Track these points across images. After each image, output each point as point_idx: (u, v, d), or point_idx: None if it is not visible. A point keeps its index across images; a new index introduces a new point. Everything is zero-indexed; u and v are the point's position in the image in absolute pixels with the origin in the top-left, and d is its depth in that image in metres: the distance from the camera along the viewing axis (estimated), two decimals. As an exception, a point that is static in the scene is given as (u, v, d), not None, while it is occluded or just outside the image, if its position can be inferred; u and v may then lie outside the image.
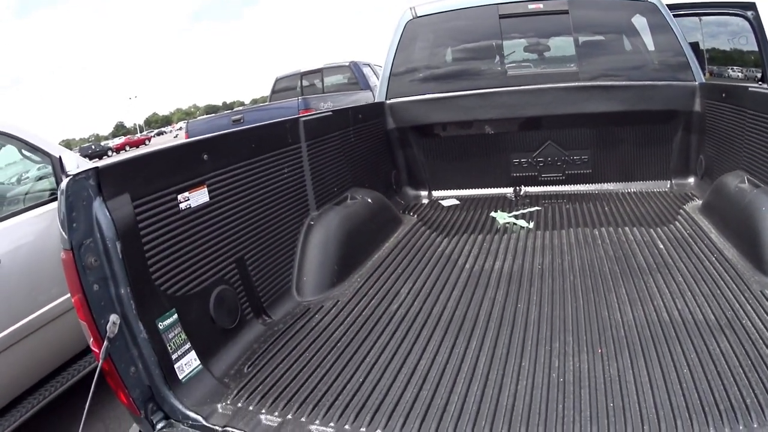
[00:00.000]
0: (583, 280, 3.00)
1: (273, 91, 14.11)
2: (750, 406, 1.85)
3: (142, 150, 2.65)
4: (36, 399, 3.64)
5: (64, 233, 1.98)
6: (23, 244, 3.67)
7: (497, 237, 3.84)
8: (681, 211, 3.95)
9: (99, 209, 2.06)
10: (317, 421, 1.99)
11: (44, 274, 3.67)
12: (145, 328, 2.12)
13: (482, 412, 1.96)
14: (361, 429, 1.92)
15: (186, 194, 2.47)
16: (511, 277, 3.12)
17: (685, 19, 5.98)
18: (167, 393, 2.14)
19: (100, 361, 1.99)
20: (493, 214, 4.34)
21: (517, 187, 4.93)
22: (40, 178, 4.30)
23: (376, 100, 5.14)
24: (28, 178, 4.45)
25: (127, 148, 70.65)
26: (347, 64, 13.25)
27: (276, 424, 2.00)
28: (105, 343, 1.99)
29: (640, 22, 4.69)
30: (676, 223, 3.75)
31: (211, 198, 2.61)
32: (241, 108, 12.52)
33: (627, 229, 3.72)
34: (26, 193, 4.16)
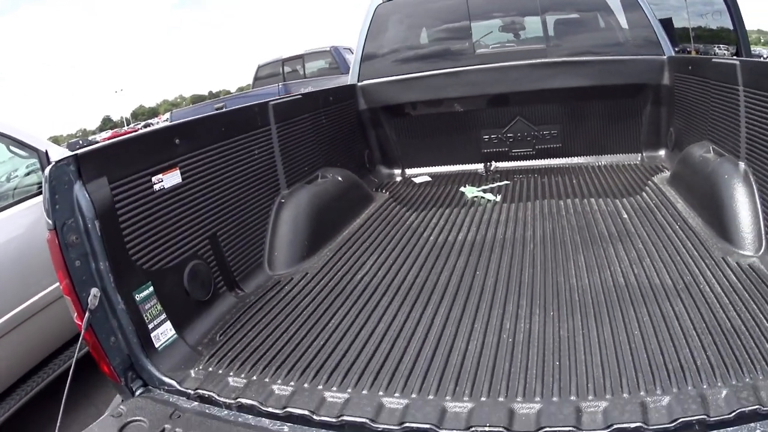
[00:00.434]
0: (543, 249, 3.13)
1: (255, 78, 14.25)
2: (700, 367, 1.90)
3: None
4: (29, 386, 3.77)
5: (47, 214, 2.15)
6: (13, 236, 3.81)
7: (464, 210, 4.00)
8: (649, 182, 4.04)
9: (79, 192, 2.23)
10: (279, 381, 2.15)
11: (35, 265, 3.78)
12: (123, 300, 2.29)
13: (432, 370, 2.09)
14: (319, 387, 2.08)
15: (160, 176, 2.63)
16: (473, 247, 3.27)
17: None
18: (145, 361, 2.31)
19: (82, 331, 2.16)
20: (462, 189, 4.49)
21: (488, 163, 5.08)
22: (28, 173, 4.41)
23: (348, 83, 5.29)
24: (16, 173, 4.57)
25: (115, 141, 70.21)
26: (328, 49, 13.39)
27: (242, 385, 2.16)
28: (86, 314, 2.16)
29: (609, -1, 4.79)
30: (643, 193, 3.85)
31: (183, 179, 2.77)
32: (223, 97, 12.66)
33: (593, 200, 3.83)
34: (15, 188, 4.28)
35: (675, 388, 1.82)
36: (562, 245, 3.15)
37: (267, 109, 3.63)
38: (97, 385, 3.69)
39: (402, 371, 2.11)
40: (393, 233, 3.70)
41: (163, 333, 2.43)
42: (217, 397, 2.11)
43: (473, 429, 1.76)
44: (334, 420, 1.89)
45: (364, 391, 2.02)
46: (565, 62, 4.68)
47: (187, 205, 2.78)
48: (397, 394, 1.97)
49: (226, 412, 2.08)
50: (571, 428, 1.71)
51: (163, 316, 2.45)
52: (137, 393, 2.29)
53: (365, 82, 5.19)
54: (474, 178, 4.87)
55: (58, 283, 3.54)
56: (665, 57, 4.43)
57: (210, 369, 2.32)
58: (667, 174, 4.12)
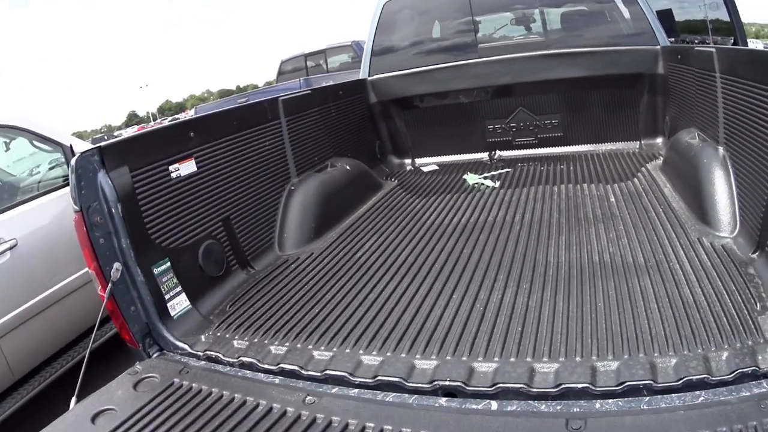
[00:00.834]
0: (529, 230, 3.36)
1: (279, 73, 14.49)
2: (654, 337, 2.04)
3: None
4: (54, 368, 4.11)
5: (74, 199, 2.50)
6: (40, 227, 4.14)
7: (463, 196, 4.26)
8: (642, 169, 4.19)
9: (103, 179, 2.58)
10: (276, 343, 2.47)
11: (59, 254, 4.15)
12: (142, 273, 2.63)
13: (408, 333, 2.36)
14: (309, 347, 2.39)
15: (176, 165, 2.97)
16: (464, 229, 3.53)
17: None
18: (161, 327, 2.65)
19: (105, 301, 2.52)
20: (464, 176, 4.75)
21: (492, 152, 5.32)
22: (52, 167, 4.74)
23: (360, 77, 5.57)
24: (40, 167, 4.89)
25: (142, 136, 70.64)
26: (349, 43, 13.57)
27: (244, 347, 2.49)
28: (109, 285, 2.50)
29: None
30: (635, 179, 4.00)
31: (198, 168, 3.10)
32: (248, 92, 12.97)
33: (585, 186, 4.02)
34: (39, 181, 4.61)
35: (626, 355, 1.97)
36: (548, 227, 3.36)
37: (277, 104, 3.94)
38: (121, 366, 3.96)
39: (381, 334, 2.39)
40: (395, 217, 3.99)
41: (179, 303, 2.77)
42: (223, 357, 2.44)
43: (435, 382, 2.02)
44: (318, 374, 2.19)
45: (347, 350, 2.31)
46: (563, 54, 4.85)
47: (202, 191, 3.11)
48: (374, 353, 2.26)
49: (228, 368, 2.40)
50: (522, 385, 1.91)
51: (179, 288, 2.79)
52: (153, 356, 2.63)
53: (375, 77, 5.46)
54: (478, 167, 5.10)
55: (81, 272, 3.94)
56: (659, 47, 4.54)
57: (218, 334, 2.65)
58: (660, 161, 4.27)
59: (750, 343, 1.93)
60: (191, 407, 2.12)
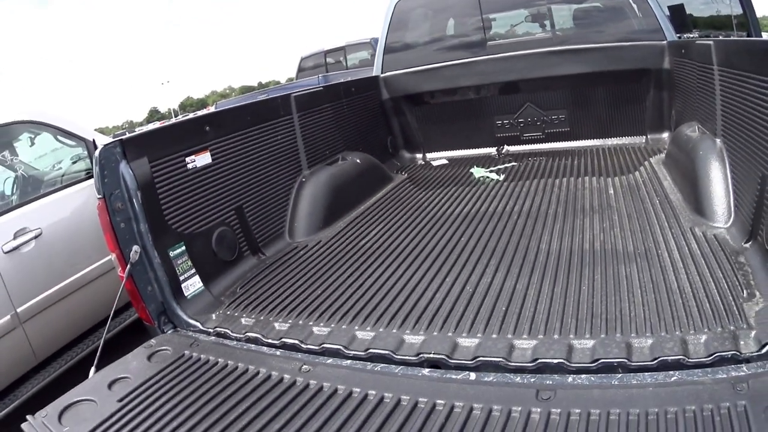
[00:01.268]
0: (527, 219, 3.49)
1: (299, 70, 14.68)
2: (633, 319, 2.13)
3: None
4: (75, 352, 4.32)
5: (98, 188, 2.74)
6: (63, 217, 4.37)
7: (468, 188, 4.43)
8: (646, 162, 4.26)
9: (124, 169, 2.83)
10: (280, 320, 2.69)
11: (82, 243, 4.38)
12: (159, 256, 2.88)
13: (401, 312, 2.54)
14: (309, 323, 2.60)
15: (192, 157, 3.20)
16: (465, 218, 3.70)
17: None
18: (175, 306, 2.89)
19: (124, 281, 2.76)
20: (471, 169, 4.90)
21: (501, 147, 5.46)
22: (75, 161, 4.94)
23: (373, 74, 5.75)
24: (63, 161, 5.08)
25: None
26: (368, 40, 13.69)
27: (251, 324, 2.71)
28: (128, 266, 2.74)
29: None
30: (636, 172, 4.07)
31: (213, 160, 3.33)
32: (269, 88, 13.17)
33: (586, 178, 4.13)
34: (63, 175, 4.81)
35: (603, 334, 2.07)
36: (544, 217, 3.48)
37: (289, 101, 4.15)
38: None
39: (376, 313, 2.58)
40: (401, 208, 4.18)
41: (192, 284, 2.99)
42: (231, 333, 2.66)
43: (421, 355, 2.20)
44: (316, 347, 2.40)
45: (344, 327, 2.52)
46: (570, 50, 4.95)
47: (217, 181, 3.34)
48: (368, 329, 2.45)
49: (235, 343, 2.62)
50: (501, 359, 2.06)
51: (193, 270, 3.02)
52: (167, 333, 2.86)
53: (388, 74, 5.64)
54: (487, 161, 5.25)
55: (101, 261, 4.18)
56: (665, 42, 4.57)
57: (228, 313, 2.88)
58: (663, 155, 4.31)
59: (732, 327, 1.98)
60: (199, 374, 2.34)
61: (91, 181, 2.80)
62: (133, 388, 2.30)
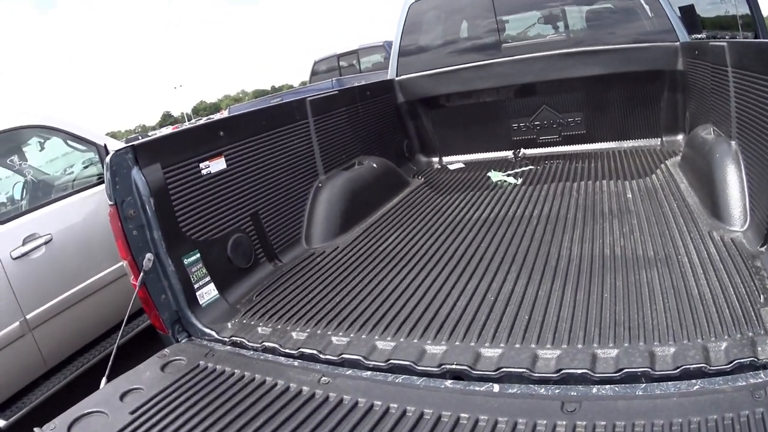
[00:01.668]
0: (546, 224, 3.43)
1: (312, 74, 14.65)
2: (655, 327, 2.09)
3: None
4: (86, 358, 4.28)
5: (109, 194, 2.69)
6: (74, 223, 4.33)
7: (486, 192, 4.36)
8: (662, 165, 4.21)
9: (136, 175, 2.77)
10: (298, 329, 2.63)
11: (93, 248, 4.35)
12: (173, 263, 2.82)
13: (422, 320, 2.48)
14: (328, 333, 2.54)
15: (207, 162, 3.15)
16: (484, 224, 3.63)
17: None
18: (189, 315, 2.84)
19: (137, 289, 2.70)
20: (488, 173, 4.83)
21: (517, 150, 5.39)
22: (86, 166, 4.93)
23: (388, 78, 5.69)
24: (74, 166, 5.08)
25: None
26: (381, 44, 13.64)
27: (268, 333, 2.65)
28: (141, 274, 2.68)
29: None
30: (653, 175, 4.01)
31: (228, 165, 3.27)
32: (282, 92, 13.15)
33: (604, 182, 4.07)
34: (74, 180, 4.80)
35: (626, 343, 2.03)
36: (564, 221, 3.43)
37: (305, 105, 4.09)
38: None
39: (396, 321, 2.52)
40: (418, 213, 4.11)
41: (207, 292, 2.94)
42: (247, 342, 2.60)
43: (443, 366, 2.14)
44: (335, 358, 2.33)
45: (363, 336, 2.45)
46: (584, 51, 4.88)
47: (232, 187, 3.28)
48: (388, 338, 2.39)
49: (251, 352, 2.56)
50: (524, 370, 2.02)
51: (208, 278, 2.97)
52: (181, 341, 2.81)
53: (402, 77, 5.58)
54: (503, 164, 5.17)
55: (113, 267, 4.19)
56: (678, 43, 4.51)
57: (244, 321, 2.82)
58: (679, 157, 4.26)
59: (750, 334, 1.96)
60: (214, 386, 2.29)
61: (103, 186, 2.73)
62: (146, 400, 2.25)
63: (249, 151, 3.46)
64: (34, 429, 2.14)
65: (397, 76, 5.61)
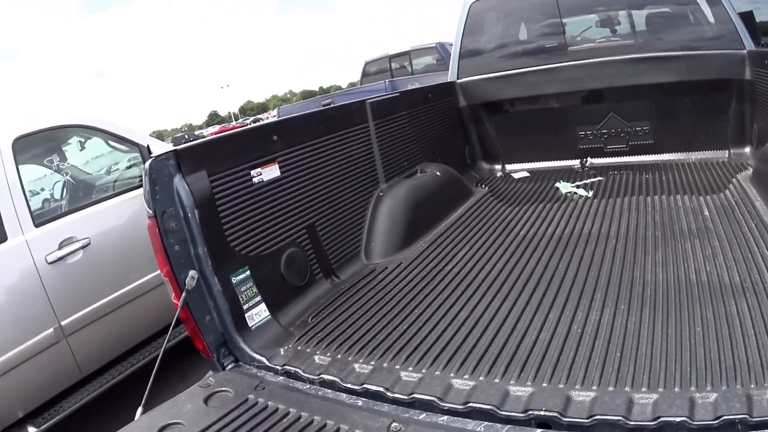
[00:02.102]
0: (624, 244, 3.15)
1: (363, 75, 14.47)
2: (751, 366, 1.89)
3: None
4: (124, 366, 4.16)
5: (148, 204, 2.43)
6: (114, 226, 4.19)
7: (556, 205, 4.06)
8: (733, 180, 3.95)
9: (179, 183, 2.51)
10: (361, 360, 2.33)
11: (132, 254, 4.17)
12: (219, 282, 2.55)
13: (502, 356, 2.20)
14: (396, 366, 2.24)
15: (259, 170, 2.89)
16: (559, 242, 3.34)
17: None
18: (237, 338, 2.56)
19: (178, 310, 2.43)
20: (557, 184, 4.55)
21: (584, 159, 5.09)
22: (129, 167, 4.79)
23: (448, 80, 5.41)
24: (117, 166, 4.95)
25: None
26: (434, 45, 13.37)
27: (326, 363, 2.36)
28: (183, 294, 2.42)
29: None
30: (726, 191, 3.77)
31: (282, 173, 3.01)
32: (332, 93, 12.96)
33: (678, 197, 3.80)
34: (116, 180, 4.66)
35: (724, 386, 1.82)
36: (643, 241, 3.16)
37: (365, 107, 3.82)
38: (194, 365, 3.90)
39: (474, 356, 2.22)
40: (486, 227, 3.81)
41: (257, 314, 2.67)
42: (302, 373, 2.31)
43: (530, 412, 1.86)
44: (405, 397, 2.04)
45: (437, 372, 2.15)
46: (652, 57, 4.61)
47: (286, 197, 3.02)
48: (466, 377, 2.09)
49: (308, 386, 2.28)
50: (620, 417, 1.76)
51: (258, 298, 2.70)
52: (228, 368, 2.54)
53: (464, 80, 5.30)
54: (570, 174, 4.89)
55: (153, 273, 4.06)
56: (745, 51, 4.27)
57: (299, 348, 2.53)
58: (750, 172, 4.02)
59: None
60: (265, 428, 2.01)
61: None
62: None
63: (305, 157, 3.20)
64: None
65: (458, 78, 5.34)
